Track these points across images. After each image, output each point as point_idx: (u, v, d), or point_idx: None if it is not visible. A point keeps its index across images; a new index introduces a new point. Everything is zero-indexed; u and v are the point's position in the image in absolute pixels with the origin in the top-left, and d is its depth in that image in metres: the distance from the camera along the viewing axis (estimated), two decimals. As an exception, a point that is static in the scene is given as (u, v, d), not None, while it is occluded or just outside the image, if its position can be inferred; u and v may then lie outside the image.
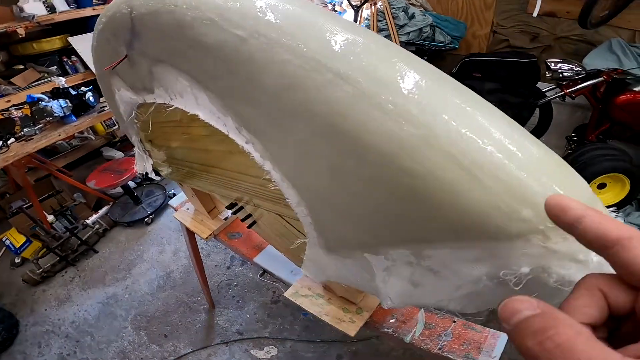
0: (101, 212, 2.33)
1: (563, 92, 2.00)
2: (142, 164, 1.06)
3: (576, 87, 1.95)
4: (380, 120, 0.34)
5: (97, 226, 2.31)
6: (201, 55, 0.44)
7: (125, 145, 3.04)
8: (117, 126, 2.80)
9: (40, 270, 2.09)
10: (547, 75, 2.02)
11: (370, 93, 0.34)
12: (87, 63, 2.73)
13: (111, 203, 2.50)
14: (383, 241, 0.44)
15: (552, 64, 1.97)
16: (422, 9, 2.91)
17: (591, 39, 2.43)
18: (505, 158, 0.30)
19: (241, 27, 0.40)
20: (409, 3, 2.89)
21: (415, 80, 0.35)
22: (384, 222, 0.41)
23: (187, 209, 1.28)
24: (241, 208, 0.78)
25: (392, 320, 0.93)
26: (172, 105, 0.57)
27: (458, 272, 0.38)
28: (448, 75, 0.38)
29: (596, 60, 2.07)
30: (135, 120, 0.80)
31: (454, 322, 0.91)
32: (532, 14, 2.46)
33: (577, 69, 1.93)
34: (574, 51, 2.55)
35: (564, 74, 1.93)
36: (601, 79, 1.90)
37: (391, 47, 0.38)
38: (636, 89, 1.87)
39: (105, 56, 0.61)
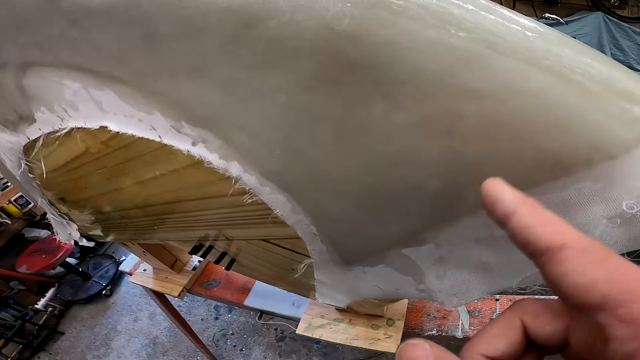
0: (48, 295, 2.24)
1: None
2: (65, 232, 0.88)
3: None
4: (414, 30, 0.22)
5: (50, 308, 2.23)
6: (94, 30, 0.29)
7: (48, 221, 2.78)
8: (32, 203, 2.58)
9: (9, 359, 2.01)
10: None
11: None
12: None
13: (56, 284, 2.38)
14: (435, 219, 0.31)
15: None
16: None
17: None
18: (586, 55, 0.22)
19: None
20: None
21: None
22: (438, 187, 0.28)
23: (144, 270, 1.09)
24: (210, 248, 0.60)
25: (432, 320, 0.82)
26: (66, 128, 0.41)
27: None
28: None
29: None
30: (31, 175, 0.62)
31: (497, 300, 0.84)
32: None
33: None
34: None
35: None
36: None
37: None
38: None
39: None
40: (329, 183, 0.30)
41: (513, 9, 0.34)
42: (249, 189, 0.34)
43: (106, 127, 0.38)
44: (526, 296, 0.43)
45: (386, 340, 0.78)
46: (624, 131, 0.22)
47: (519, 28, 0.22)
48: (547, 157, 0.23)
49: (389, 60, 0.23)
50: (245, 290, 1.02)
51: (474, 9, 0.22)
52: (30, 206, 2.60)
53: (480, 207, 0.28)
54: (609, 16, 2.57)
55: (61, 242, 2.07)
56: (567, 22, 2.54)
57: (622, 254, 0.30)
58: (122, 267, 1.18)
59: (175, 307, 1.43)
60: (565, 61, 0.22)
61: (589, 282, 0.15)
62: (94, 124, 0.38)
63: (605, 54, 2.38)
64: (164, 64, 0.30)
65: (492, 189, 0.19)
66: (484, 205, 0.19)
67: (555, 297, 0.19)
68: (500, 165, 0.24)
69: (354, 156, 0.27)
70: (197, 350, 1.72)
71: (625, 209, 0.24)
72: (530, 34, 0.22)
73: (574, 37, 0.27)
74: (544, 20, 2.45)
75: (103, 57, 0.32)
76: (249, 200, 0.35)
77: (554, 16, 2.49)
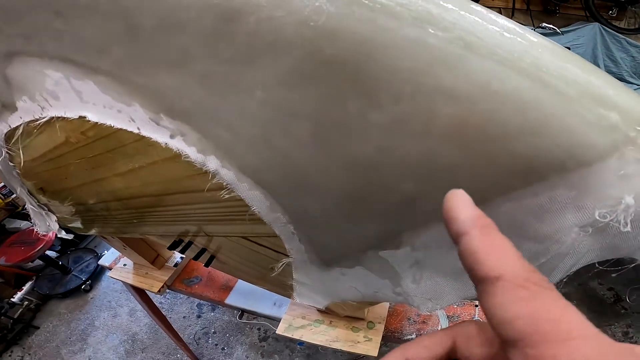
0: (25, 288, 2.20)
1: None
2: (44, 223, 0.86)
3: None
4: (392, 28, 0.22)
5: (26, 302, 2.19)
6: (78, 21, 0.30)
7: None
8: (15, 194, 2.51)
9: (-18, 353, 1.97)
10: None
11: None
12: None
13: (34, 277, 2.33)
14: (410, 223, 0.31)
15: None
16: None
17: None
18: (564, 58, 0.22)
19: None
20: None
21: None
22: (413, 191, 0.28)
23: (125, 265, 1.08)
24: (189, 244, 0.60)
25: (412, 324, 0.83)
26: (45, 117, 0.41)
27: (531, 232, 0.28)
28: None
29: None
30: (11, 164, 0.61)
31: (477, 306, 0.85)
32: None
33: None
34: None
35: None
36: None
37: None
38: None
39: None
40: (305, 181, 0.30)
41: (511, 18, 0.34)
42: (226, 184, 0.33)
43: (85, 117, 0.38)
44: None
45: (366, 343, 0.78)
46: (600, 138, 0.22)
47: (497, 29, 0.22)
48: (520, 162, 0.23)
49: (366, 57, 0.23)
50: (227, 289, 1.01)
51: (453, 8, 0.22)
52: (13, 196, 2.54)
53: None
54: (605, 27, 2.61)
55: (40, 234, 2.04)
56: (563, 32, 2.57)
57: (593, 265, 0.30)
58: (101, 262, 1.16)
59: (157, 304, 1.42)
60: (542, 64, 0.22)
61: (510, 318, 0.15)
62: (73, 114, 0.38)
63: (598, 65, 2.42)
64: (145, 56, 0.30)
65: (451, 204, 0.18)
66: (443, 219, 0.19)
67: None
68: (474, 169, 0.24)
69: (331, 155, 0.27)
70: (178, 348, 1.71)
71: (597, 217, 0.24)
72: (508, 35, 0.22)
73: (569, 47, 0.27)
74: (540, 29, 2.47)
75: (85, 48, 0.32)
76: (227, 196, 0.34)
77: (551, 26, 2.52)
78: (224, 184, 0.33)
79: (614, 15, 2.81)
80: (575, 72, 0.22)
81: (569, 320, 0.15)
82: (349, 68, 0.23)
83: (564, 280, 0.33)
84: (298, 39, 0.23)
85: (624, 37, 2.55)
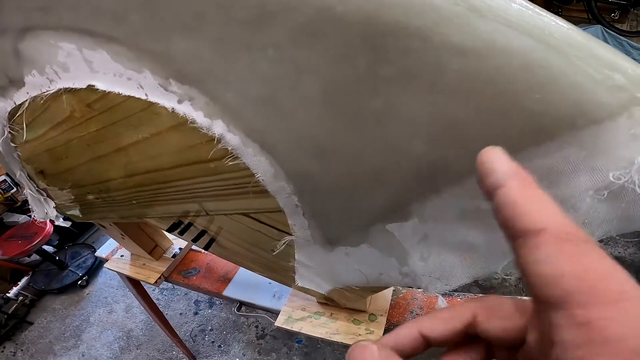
0: (21, 283, 2.21)
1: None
2: (42, 209, 0.86)
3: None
4: None
5: (21, 297, 2.20)
6: None
7: (28, 207, 2.72)
8: (14, 189, 2.59)
9: (-27, 348, 2.00)
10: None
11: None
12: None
13: (30, 272, 2.34)
14: (420, 188, 0.31)
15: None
16: None
17: None
18: (568, 28, 0.23)
19: None
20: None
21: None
22: (423, 150, 0.28)
23: (122, 256, 1.08)
24: (189, 225, 0.59)
25: (414, 317, 0.82)
26: (53, 89, 0.42)
27: None
28: None
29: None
30: (13, 144, 0.61)
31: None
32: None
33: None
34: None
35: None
36: None
37: None
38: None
39: None
40: (313, 142, 0.30)
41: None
42: (231, 150, 0.33)
43: (94, 86, 0.38)
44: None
45: (367, 337, 0.76)
46: (607, 97, 0.23)
47: None
48: (530, 118, 0.24)
49: (375, 14, 0.23)
50: (226, 280, 1.00)
51: None
52: (12, 191, 2.58)
53: (466, 174, 0.28)
54: (607, 29, 2.62)
55: (39, 224, 2.04)
56: (566, 34, 2.58)
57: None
58: (98, 253, 1.16)
59: (154, 300, 1.41)
60: (547, 29, 0.22)
61: (556, 274, 0.14)
62: (82, 84, 0.39)
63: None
64: (161, 22, 0.30)
65: (487, 157, 0.17)
66: (477, 174, 0.18)
67: (514, 298, 0.19)
68: (484, 125, 0.24)
69: (339, 112, 0.27)
70: (173, 344, 1.68)
71: (612, 179, 0.24)
72: (511, 2, 0.23)
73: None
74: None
75: (102, 17, 0.33)
76: (230, 164, 0.34)
77: (553, 27, 2.53)
78: (229, 149, 0.33)
79: (617, 17, 2.82)
80: (579, 39, 0.23)
81: (620, 280, 0.14)
82: (358, 25, 0.24)
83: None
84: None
85: (626, 39, 2.56)
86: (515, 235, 0.15)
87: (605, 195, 0.26)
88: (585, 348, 0.13)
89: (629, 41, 2.55)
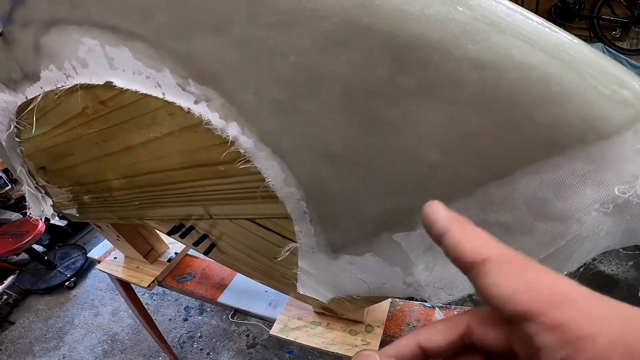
0: (7, 282, 2.19)
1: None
2: (38, 207, 0.86)
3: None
4: (424, 2, 0.24)
5: (5, 297, 2.18)
6: None
7: (22, 205, 2.76)
8: (10, 186, 2.59)
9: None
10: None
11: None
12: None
13: (17, 271, 2.32)
14: (430, 197, 0.31)
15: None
16: None
17: None
18: (580, 45, 0.25)
19: None
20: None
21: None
22: (436, 160, 0.29)
23: (115, 258, 1.07)
24: (191, 229, 0.60)
25: (410, 329, 0.82)
26: (68, 85, 0.43)
27: (551, 210, 0.28)
28: None
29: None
30: (18, 139, 0.62)
31: None
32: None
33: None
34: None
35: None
36: None
37: None
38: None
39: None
40: (326, 147, 0.31)
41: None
42: (244, 153, 0.34)
43: (111, 83, 0.39)
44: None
45: (364, 348, 0.77)
46: (615, 112, 0.24)
47: (521, 15, 0.24)
48: (543, 132, 0.25)
49: (399, 27, 0.25)
50: (221, 287, 1.00)
51: None
52: (6, 189, 2.57)
53: (476, 186, 0.29)
54: (608, 47, 2.67)
55: (32, 222, 2.02)
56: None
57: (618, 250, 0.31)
58: (91, 254, 1.15)
59: (143, 304, 1.40)
60: (561, 45, 0.24)
61: (508, 292, 0.16)
62: (100, 80, 0.40)
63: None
64: (188, 21, 0.32)
65: (430, 210, 0.21)
66: (423, 225, 0.21)
67: None
68: (498, 137, 0.25)
69: (356, 119, 0.28)
70: (160, 350, 1.66)
71: (617, 193, 0.25)
72: (531, 21, 0.24)
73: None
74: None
75: (130, 12, 0.34)
76: (241, 167, 0.35)
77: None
78: (242, 152, 0.34)
79: (617, 35, 2.89)
80: (591, 55, 0.24)
81: (563, 285, 0.16)
82: (382, 36, 0.25)
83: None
84: (337, 7, 0.25)
85: (625, 57, 2.62)
86: (466, 269, 0.18)
87: (611, 208, 0.27)
88: (567, 348, 0.15)
89: (629, 59, 2.61)
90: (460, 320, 0.21)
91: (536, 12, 2.86)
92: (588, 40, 2.81)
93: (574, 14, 2.86)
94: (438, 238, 0.20)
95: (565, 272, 0.31)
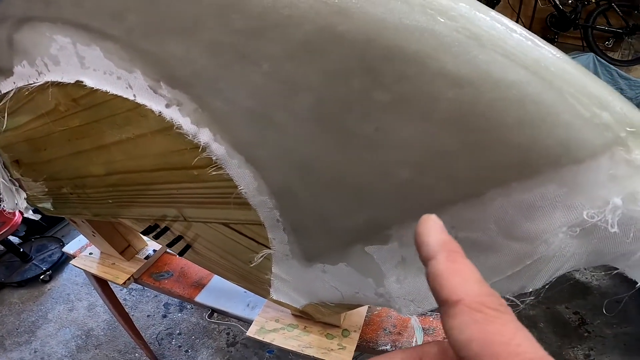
0: None
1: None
2: (12, 200, 0.84)
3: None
4: (403, 11, 0.23)
5: None
6: None
7: None
8: None
9: None
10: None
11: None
12: None
13: None
14: (400, 213, 0.32)
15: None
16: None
17: None
18: (562, 61, 0.24)
19: None
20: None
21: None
22: (407, 177, 0.29)
23: (91, 254, 1.05)
24: (165, 230, 0.59)
25: (387, 335, 0.82)
26: (40, 82, 0.43)
27: (520, 231, 0.28)
28: None
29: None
30: None
31: None
32: None
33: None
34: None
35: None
36: None
37: None
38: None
39: None
40: (298, 159, 0.30)
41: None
42: (216, 160, 0.33)
43: (82, 82, 0.38)
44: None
45: (339, 352, 0.77)
46: (593, 136, 0.23)
47: (503, 27, 0.24)
48: (518, 153, 0.24)
49: (375, 37, 0.24)
50: (199, 286, 0.99)
51: (462, 2, 0.23)
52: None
53: (448, 204, 0.29)
54: (599, 58, 2.72)
55: (7, 214, 1.97)
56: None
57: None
58: (66, 249, 1.12)
59: (121, 301, 1.38)
60: (543, 62, 0.23)
61: (466, 340, 0.17)
62: (70, 79, 0.39)
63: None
64: (157, 23, 0.31)
65: (422, 229, 0.20)
66: (415, 243, 0.21)
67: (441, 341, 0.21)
68: (472, 157, 0.25)
69: (328, 132, 0.28)
70: (137, 346, 1.64)
71: (585, 217, 0.25)
72: (514, 34, 0.23)
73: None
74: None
75: (101, 12, 0.33)
76: (214, 173, 0.34)
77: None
78: (214, 159, 0.33)
79: (610, 45, 2.94)
80: (573, 72, 0.24)
81: (519, 343, 0.16)
82: (357, 45, 0.24)
83: (531, 302, 0.34)
84: (312, 14, 0.24)
85: (615, 68, 2.65)
86: (439, 303, 0.18)
87: (578, 232, 0.27)
88: None
89: (618, 70, 2.64)
90: (414, 354, 0.21)
91: (532, 20, 2.90)
92: (580, 49, 2.85)
93: (570, 23, 2.89)
94: (424, 261, 0.20)
95: (530, 289, 0.32)
